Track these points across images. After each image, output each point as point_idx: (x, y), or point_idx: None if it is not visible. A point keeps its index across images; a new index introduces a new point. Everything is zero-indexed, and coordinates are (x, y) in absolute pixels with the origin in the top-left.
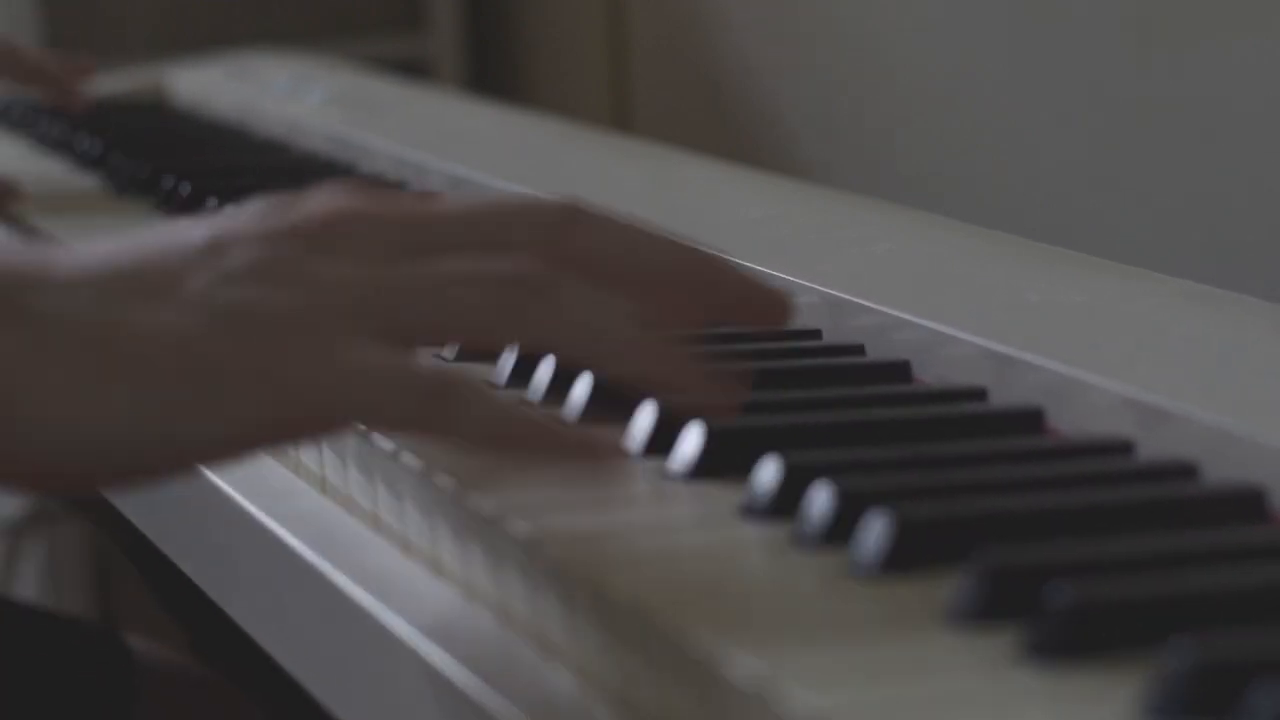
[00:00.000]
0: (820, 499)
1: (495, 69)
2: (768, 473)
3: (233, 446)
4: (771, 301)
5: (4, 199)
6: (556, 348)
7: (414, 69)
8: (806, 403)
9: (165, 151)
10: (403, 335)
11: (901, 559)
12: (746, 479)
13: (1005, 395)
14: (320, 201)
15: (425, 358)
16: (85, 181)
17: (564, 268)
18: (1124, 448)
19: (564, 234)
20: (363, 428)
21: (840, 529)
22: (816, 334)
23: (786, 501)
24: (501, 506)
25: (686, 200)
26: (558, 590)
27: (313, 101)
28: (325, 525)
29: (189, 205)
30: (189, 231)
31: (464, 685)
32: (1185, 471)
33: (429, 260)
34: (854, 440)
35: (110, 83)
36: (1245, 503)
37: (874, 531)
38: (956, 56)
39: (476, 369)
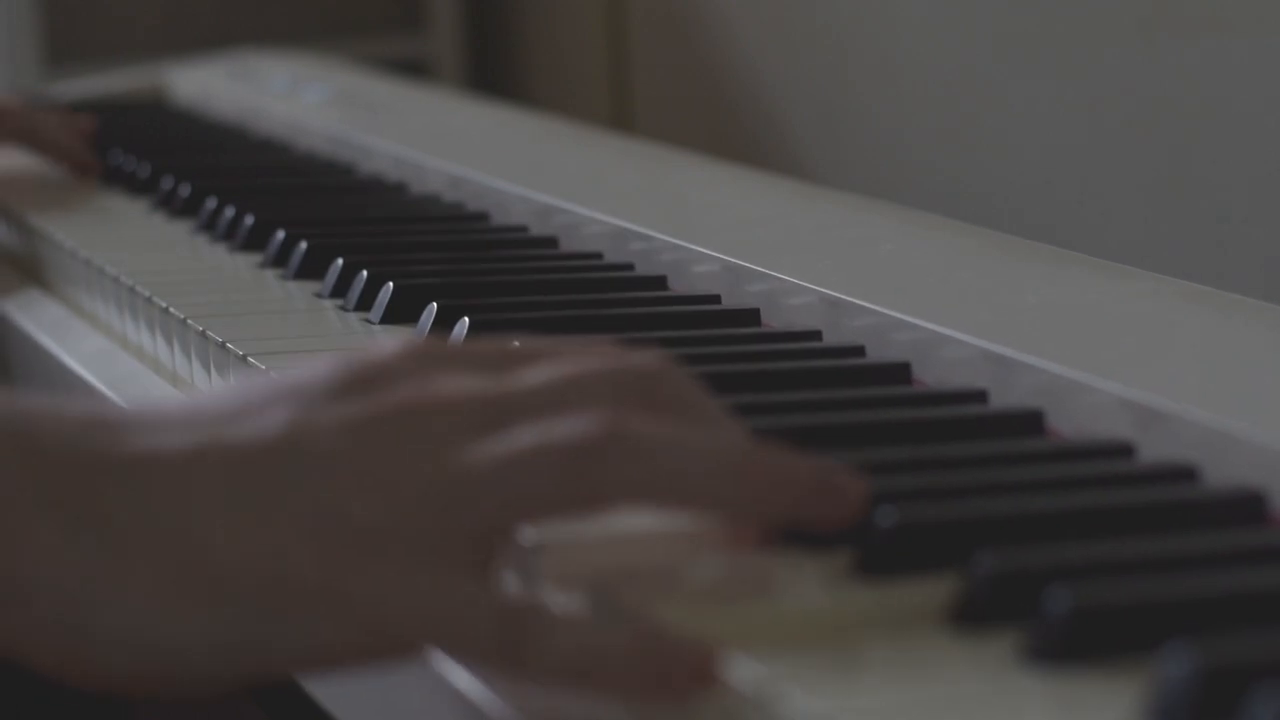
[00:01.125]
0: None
1: (495, 69)
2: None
3: (308, 667)
4: (848, 494)
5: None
6: (645, 499)
7: (414, 69)
8: (806, 404)
9: (165, 151)
10: (486, 531)
11: (901, 562)
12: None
13: (1005, 397)
14: (398, 372)
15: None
16: (85, 181)
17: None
18: (1124, 450)
19: (650, 386)
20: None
21: (839, 530)
22: (816, 335)
23: None
24: None
25: (686, 200)
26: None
27: (313, 101)
28: None
29: (189, 205)
30: (266, 413)
31: (464, 685)
32: (1185, 474)
33: (503, 437)
34: (854, 442)
35: (110, 83)
36: (1245, 505)
37: (874, 534)
38: (957, 57)
39: None
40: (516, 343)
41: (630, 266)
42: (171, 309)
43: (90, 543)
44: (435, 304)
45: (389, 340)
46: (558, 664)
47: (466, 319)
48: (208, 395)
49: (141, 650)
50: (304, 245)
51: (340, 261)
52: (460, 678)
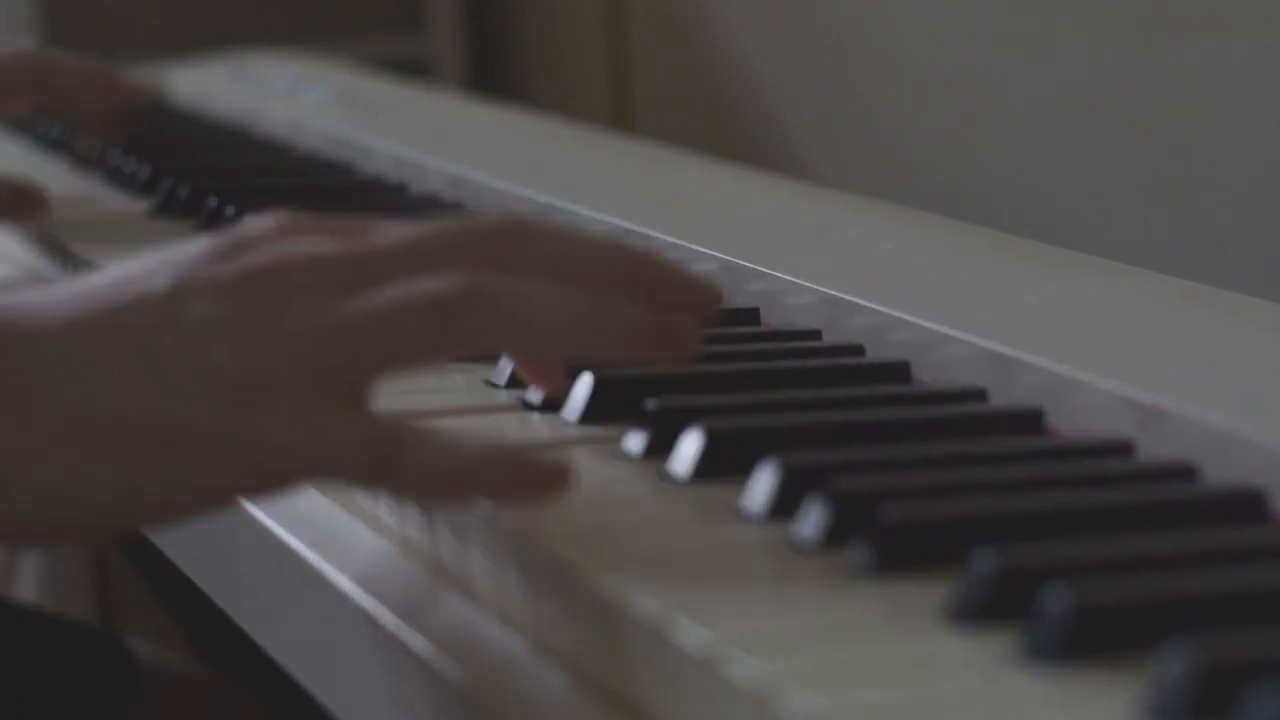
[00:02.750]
0: (820, 500)
1: (495, 69)
2: (767, 474)
3: (202, 506)
4: (703, 290)
5: (30, 207)
6: (503, 349)
7: (414, 69)
8: (806, 403)
9: (165, 151)
10: (358, 377)
11: (901, 560)
12: (746, 480)
13: (1005, 396)
14: (264, 238)
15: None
16: (85, 182)
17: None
18: (1124, 448)
19: (500, 246)
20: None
21: (840, 530)
22: (816, 334)
23: (786, 503)
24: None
25: (686, 200)
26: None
27: (313, 101)
28: (325, 525)
29: (189, 205)
30: (148, 279)
31: (465, 686)
32: (1185, 472)
33: (370, 293)
34: (853, 441)
35: None
36: (1245, 504)
37: (874, 531)
38: (957, 57)
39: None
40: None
41: None
42: None
43: None
44: None
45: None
46: (423, 476)
47: None
48: (92, 274)
49: (56, 502)
50: None
51: None
52: (457, 673)
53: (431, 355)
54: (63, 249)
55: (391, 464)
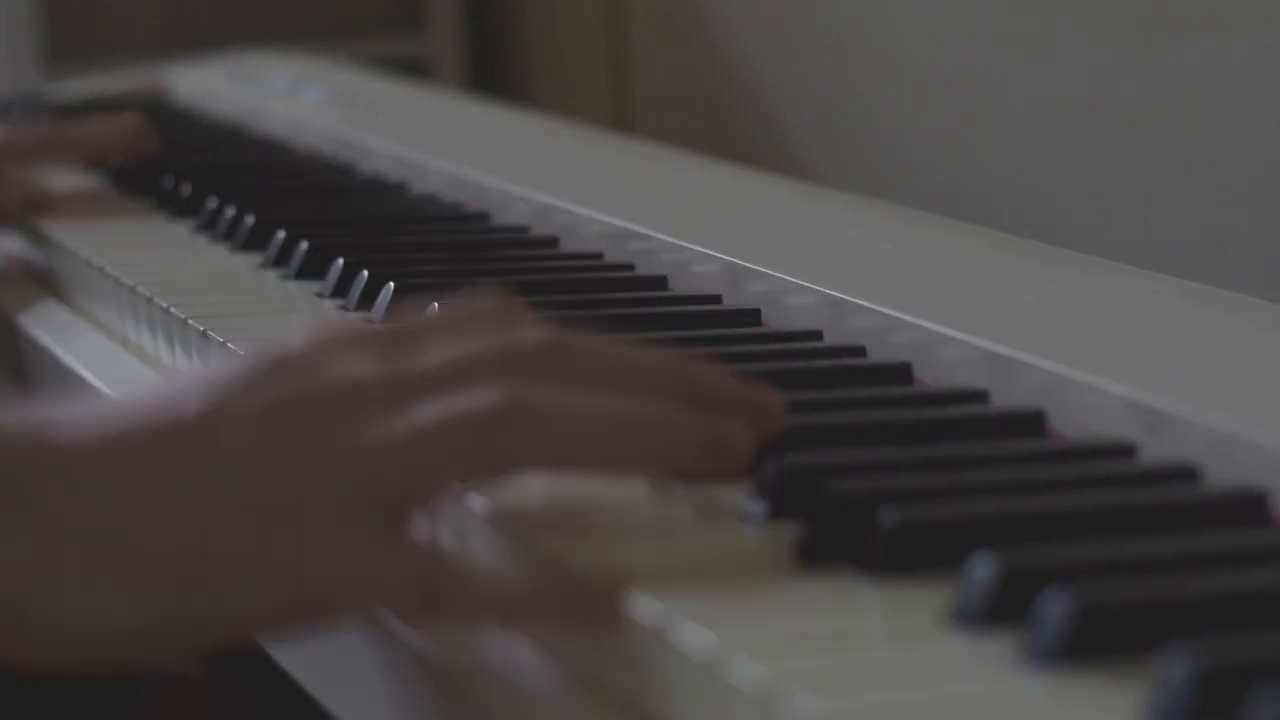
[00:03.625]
0: (822, 502)
1: (495, 69)
2: (767, 474)
3: (233, 639)
4: (762, 405)
5: (37, 209)
6: (548, 465)
7: (414, 69)
8: (807, 405)
9: (165, 151)
10: (400, 499)
11: (903, 562)
12: (746, 480)
13: (1006, 397)
14: (303, 357)
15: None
16: (85, 181)
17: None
18: (1125, 450)
19: (545, 361)
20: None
21: (840, 532)
22: (817, 335)
23: (787, 505)
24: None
25: (686, 200)
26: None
27: (313, 101)
28: None
29: (189, 205)
30: (184, 402)
31: (465, 686)
32: (1186, 474)
33: (410, 413)
34: (855, 442)
35: (110, 83)
36: (1247, 506)
37: (876, 533)
38: (957, 57)
39: None
40: (418, 315)
41: (630, 266)
42: (172, 309)
43: (21, 529)
44: (436, 304)
45: (296, 329)
46: (476, 608)
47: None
48: (128, 395)
49: (76, 632)
50: (304, 245)
51: (341, 261)
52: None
53: (474, 474)
54: (62, 248)
55: (443, 597)
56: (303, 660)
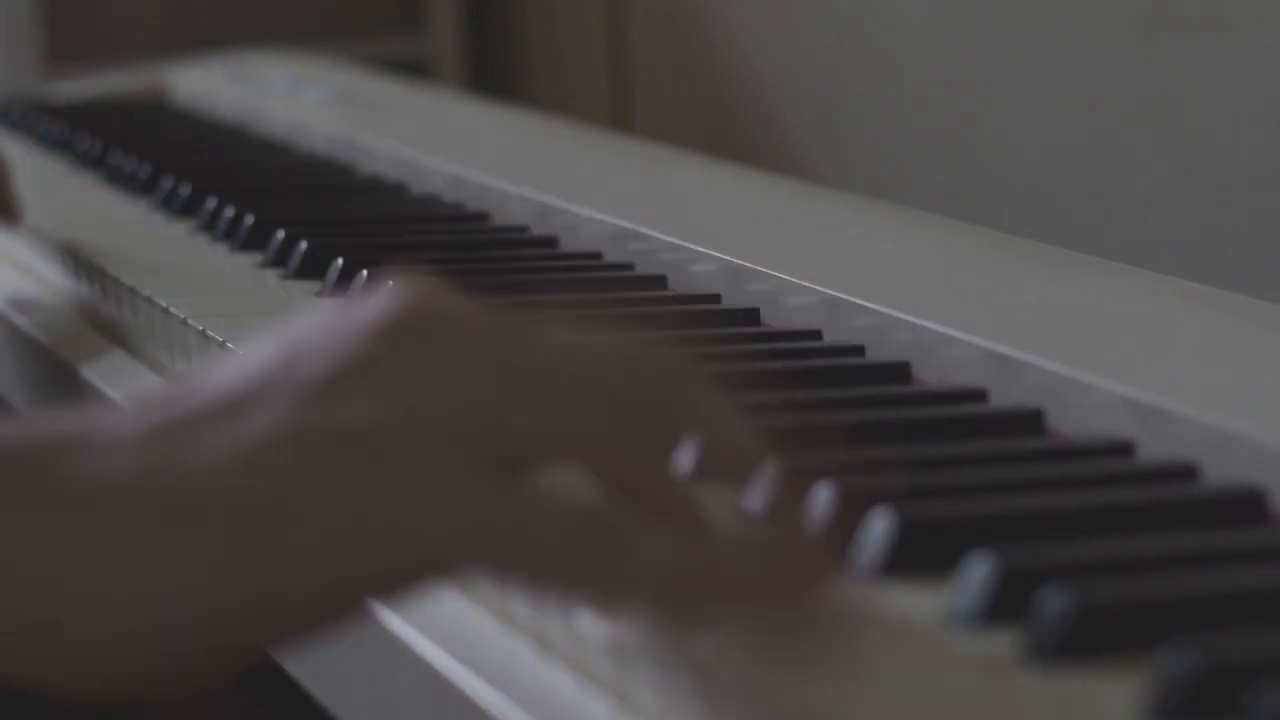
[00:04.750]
0: (820, 501)
1: (495, 69)
2: (766, 477)
3: (323, 609)
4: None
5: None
6: (636, 599)
7: (414, 69)
8: (806, 404)
9: (165, 151)
10: (519, 451)
11: (902, 560)
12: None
13: (1005, 396)
14: (397, 294)
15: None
16: (85, 181)
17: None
18: (1124, 449)
19: (665, 406)
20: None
21: (840, 531)
22: (816, 334)
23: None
24: None
25: (686, 200)
26: None
27: (313, 101)
28: None
29: (189, 205)
30: (246, 359)
31: (467, 687)
32: (1185, 473)
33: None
34: (854, 441)
35: (110, 83)
36: (1246, 504)
37: (875, 533)
38: (957, 57)
39: None
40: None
41: (630, 266)
42: (172, 309)
43: (46, 512)
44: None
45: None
46: (652, 576)
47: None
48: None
49: (118, 623)
50: (304, 245)
51: (341, 261)
52: (459, 674)
53: (562, 577)
54: (61, 249)
55: (607, 557)
56: (309, 666)
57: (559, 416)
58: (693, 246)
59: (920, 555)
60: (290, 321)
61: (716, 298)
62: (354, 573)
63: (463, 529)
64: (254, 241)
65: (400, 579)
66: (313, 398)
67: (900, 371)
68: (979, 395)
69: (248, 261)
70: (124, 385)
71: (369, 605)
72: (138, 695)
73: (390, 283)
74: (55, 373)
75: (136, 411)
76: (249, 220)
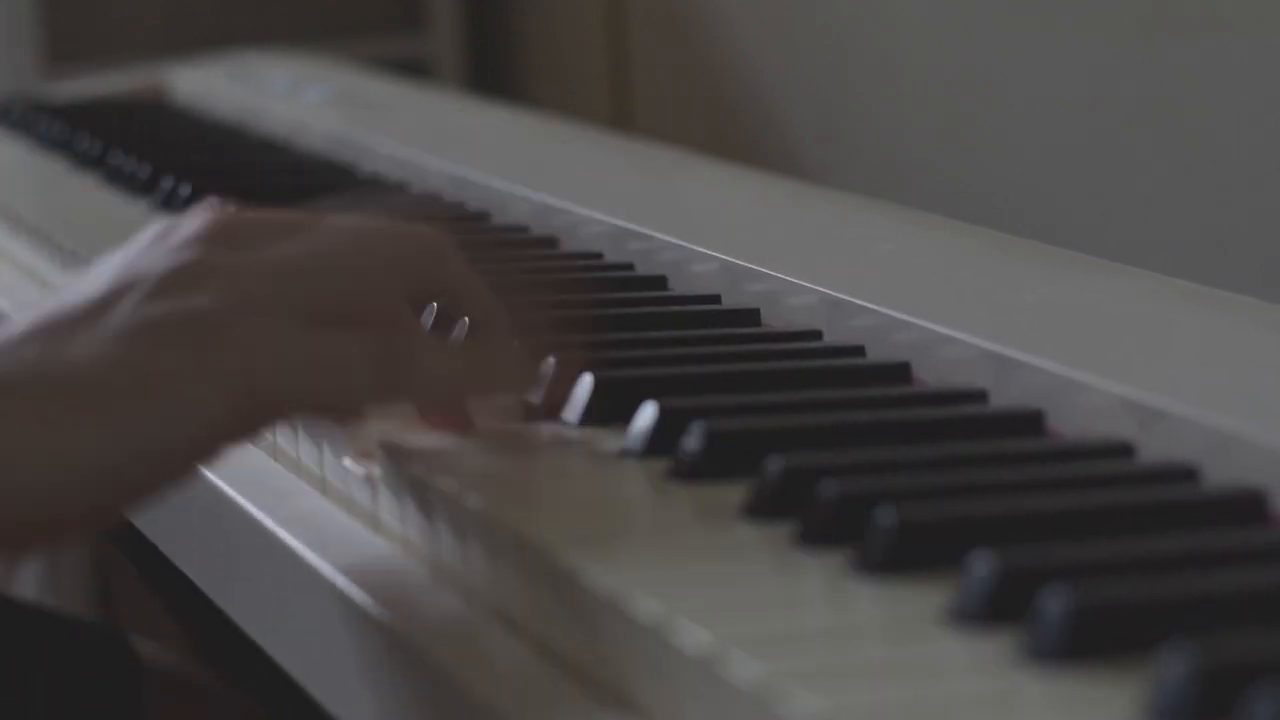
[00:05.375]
0: (821, 500)
1: (495, 69)
2: (768, 473)
3: (199, 453)
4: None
5: None
6: (416, 400)
7: (414, 69)
8: (806, 404)
9: (165, 151)
10: (334, 307)
11: (902, 561)
12: (748, 479)
13: (1005, 397)
14: (202, 215)
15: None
16: (85, 181)
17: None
18: (1124, 450)
19: (429, 268)
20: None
21: (840, 530)
22: (816, 335)
23: (787, 503)
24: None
25: (686, 200)
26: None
27: (313, 101)
28: (325, 525)
29: (189, 205)
30: (98, 274)
31: (464, 686)
32: (1185, 474)
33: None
34: (854, 442)
35: (110, 83)
36: (1245, 505)
37: (874, 533)
38: (957, 57)
39: None
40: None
41: (630, 266)
42: None
43: None
44: (435, 304)
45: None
46: (437, 384)
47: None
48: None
49: (34, 485)
50: None
51: None
52: (460, 675)
53: (362, 395)
54: (62, 248)
55: (400, 371)
56: (303, 661)
57: (345, 282)
58: (693, 246)
59: (920, 555)
60: (130, 240)
61: (716, 298)
62: (212, 422)
63: (287, 369)
64: None
65: (247, 421)
66: (155, 294)
67: (900, 372)
68: (979, 396)
69: None
70: None
71: (228, 449)
72: (54, 539)
73: (200, 205)
74: None
75: (20, 318)
76: None
